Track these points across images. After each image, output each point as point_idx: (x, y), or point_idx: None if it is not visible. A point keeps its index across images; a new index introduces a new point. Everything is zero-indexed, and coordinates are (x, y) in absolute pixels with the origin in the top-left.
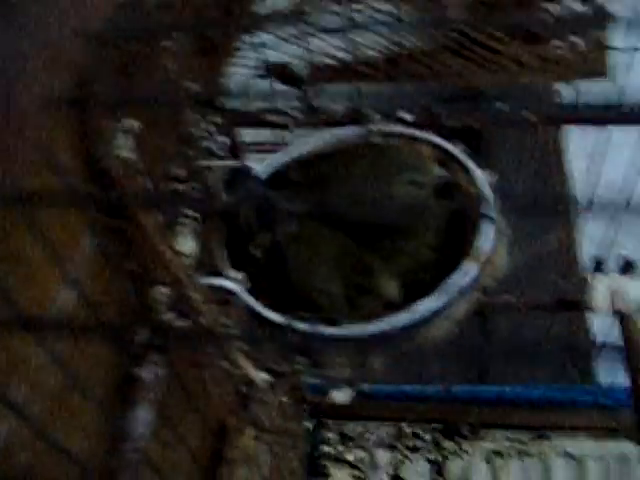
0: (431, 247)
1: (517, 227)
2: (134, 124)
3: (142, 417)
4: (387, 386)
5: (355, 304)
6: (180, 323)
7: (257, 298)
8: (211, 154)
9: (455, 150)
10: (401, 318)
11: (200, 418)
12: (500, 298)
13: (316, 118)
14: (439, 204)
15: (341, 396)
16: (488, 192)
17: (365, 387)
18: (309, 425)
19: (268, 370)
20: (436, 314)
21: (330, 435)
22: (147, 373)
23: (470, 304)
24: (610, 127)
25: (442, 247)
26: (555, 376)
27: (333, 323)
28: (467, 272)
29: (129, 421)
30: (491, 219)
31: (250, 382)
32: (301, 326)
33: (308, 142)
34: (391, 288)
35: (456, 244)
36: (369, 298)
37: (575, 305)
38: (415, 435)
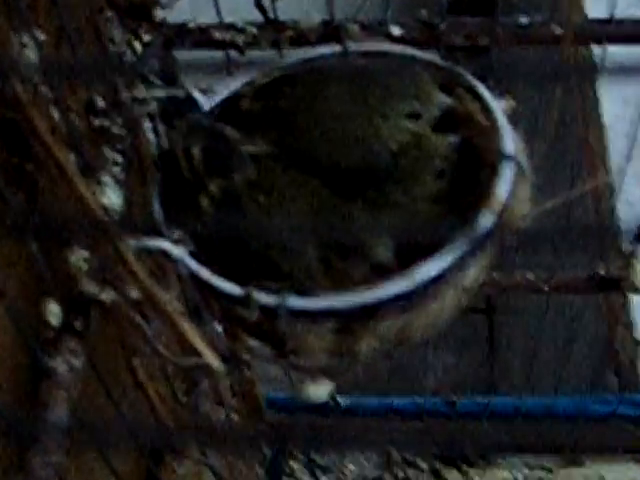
0: (433, 196)
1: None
2: (40, 36)
3: (56, 422)
4: (370, 399)
5: (334, 269)
6: (105, 296)
7: (204, 263)
8: (142, 80)
9: (462, 72)
10: (395, 286)
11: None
12: (515, 276)
13: (279, 35)
14: (443, 140)
15: (318, 391)
16: (504, 123)
17: (342, 400)
18: (268, 452)
19: (222, 358)
20: (439, 280)
21: (296, 465)
22: (61, 364)
23: (483, 268)
24: None
25: (447, 196)
26: (589, 384)
27: (305, 294)
28: (479, 225)
29: (39, 427)
30: (509, 157)
31: (190, 385)
32: (264, 298)
33: (269, 65)
34: (382, 247)
35: (465, 191)
36: (353, 261)
37: (614, 284)
38: (408, 463)
